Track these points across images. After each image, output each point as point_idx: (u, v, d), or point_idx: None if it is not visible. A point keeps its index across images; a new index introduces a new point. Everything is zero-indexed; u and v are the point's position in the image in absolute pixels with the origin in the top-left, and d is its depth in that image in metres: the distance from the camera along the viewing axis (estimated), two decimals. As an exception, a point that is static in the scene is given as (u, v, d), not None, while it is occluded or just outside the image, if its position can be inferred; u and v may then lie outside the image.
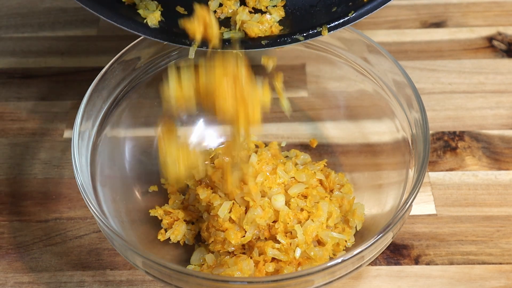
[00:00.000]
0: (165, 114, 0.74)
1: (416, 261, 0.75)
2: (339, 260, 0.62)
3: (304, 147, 0.84)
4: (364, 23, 0.99)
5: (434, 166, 0.83)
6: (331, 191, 0.76)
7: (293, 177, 0.74)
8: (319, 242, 0.72)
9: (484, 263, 0.75)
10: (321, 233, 0.71)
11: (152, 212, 0.75)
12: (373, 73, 0.79)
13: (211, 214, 0.72)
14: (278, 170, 0.73)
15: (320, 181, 0.76)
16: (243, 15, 0.68)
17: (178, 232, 0.74)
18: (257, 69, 0.87)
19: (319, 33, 0.68)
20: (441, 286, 0.73)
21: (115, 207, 0.73)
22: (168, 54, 0.81)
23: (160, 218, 0.75)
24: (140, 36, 0.77)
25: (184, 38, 0.68)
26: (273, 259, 0.70)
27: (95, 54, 0.96)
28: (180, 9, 0.70)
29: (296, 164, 0.78)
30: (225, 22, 0.70)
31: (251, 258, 0.70)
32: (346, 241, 0.73)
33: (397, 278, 0.74)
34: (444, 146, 0.85)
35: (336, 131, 0.85)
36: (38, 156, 0.85)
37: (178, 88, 0.67)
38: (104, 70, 0.75)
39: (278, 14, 0.69)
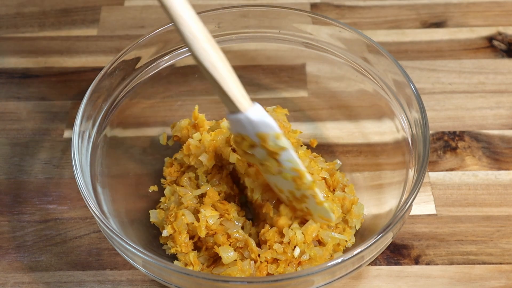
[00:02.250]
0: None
1: (416, 261, 0.75)
2: (339, 260, 0.62)
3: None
4: (364, 23, 0.99)
5: (434, 166, 0.83)
6: (334, 190, 0.76)
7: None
8: (320, 242, 0.72)
9: (484, 263, 0.75)
10: (322, 233, 0.71)
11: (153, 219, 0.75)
12: (373, 73, 0.79)
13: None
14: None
15: (324, 179, 0.75)
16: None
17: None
18: (256, 69, 0.87)
19: None
20: (441, 286, 0.73)
21: (115, 207, 0.73)
22: (168, 54, 0.81)
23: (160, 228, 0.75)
24: (141, 37, 0.78)
25: None
26: (273, 260, 0.70)
27: (95, 54, 0.96)
28: None
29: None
30: None
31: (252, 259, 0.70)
32: (346, 241, 0.72)
33: (397, 278, 0.74)
34: (444, 146, 0.85)
35: (336, 131, 0.85)
36: (38, 156, 0.85)
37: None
38: (104, 70, 0.75)
39: None
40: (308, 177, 0.68)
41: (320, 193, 0.69)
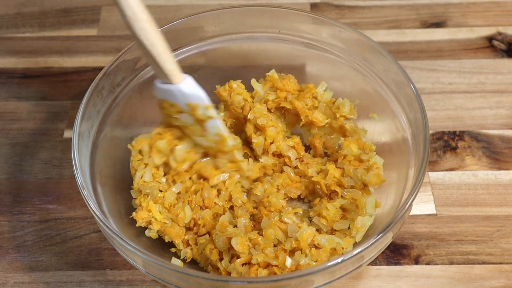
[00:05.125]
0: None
1: (416, 261, 0.75)
2: (339, 260, 0.62)
3: (306, 147, 0.83)
4: (364, 23, 0.99)
5: (434, 166, 0.83)
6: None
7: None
8: (316, 247, 0.70)
9: (484, 263, 0.75)
10: (318, 237, 0.70)
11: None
12: (373, 73, 0.78)
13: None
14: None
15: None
16: None
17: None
18: (256, 69, 0.87)
19: None
20: (441, 286, 0.73)
21: (115, 207, 0.73)
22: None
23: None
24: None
25: None
26: (267, 264, 0.69)
27: (95, 54, 0.96)
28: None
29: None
30: None
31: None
32: (343, 248, 0.71)
33: (397, 278, 0.74)
34: (444, 146, 0.85)
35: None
36: (38, 156, 0.85)
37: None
38: (104, 70, 0.75)
39: None
40: (229, 142, 0.75)
41: (239, 155, 0.77)
